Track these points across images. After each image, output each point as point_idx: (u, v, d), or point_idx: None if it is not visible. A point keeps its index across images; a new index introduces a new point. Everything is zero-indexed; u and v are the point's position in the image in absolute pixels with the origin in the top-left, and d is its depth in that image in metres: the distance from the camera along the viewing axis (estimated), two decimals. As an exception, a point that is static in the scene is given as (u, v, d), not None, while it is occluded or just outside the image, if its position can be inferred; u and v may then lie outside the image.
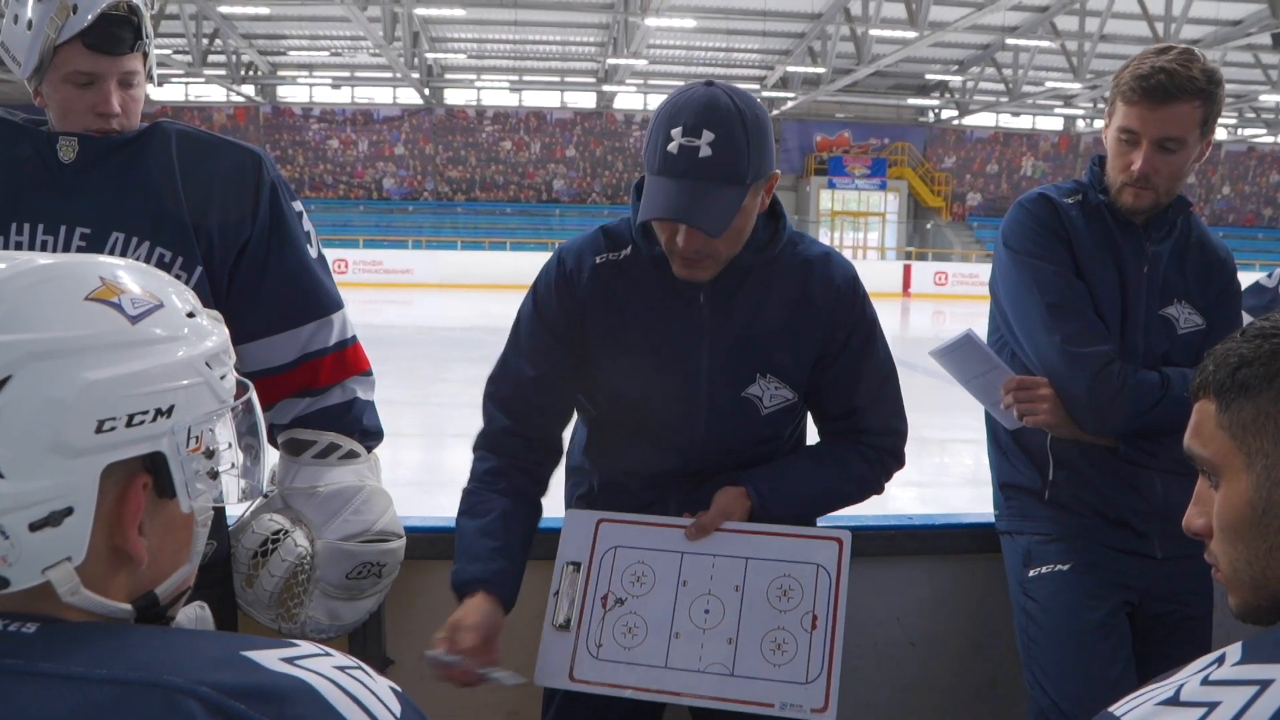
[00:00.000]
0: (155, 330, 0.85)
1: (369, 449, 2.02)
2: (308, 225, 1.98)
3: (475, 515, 1.83)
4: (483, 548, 1.78)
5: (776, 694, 1.68)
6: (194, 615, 1.08)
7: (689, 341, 1.83)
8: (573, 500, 2.05)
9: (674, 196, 1.63)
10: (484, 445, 1.91)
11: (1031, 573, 2.10)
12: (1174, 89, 1.92)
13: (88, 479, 0.80)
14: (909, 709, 2.43)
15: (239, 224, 1.87)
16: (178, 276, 1.78)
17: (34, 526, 0.78)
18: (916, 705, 2.43)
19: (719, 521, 1.81)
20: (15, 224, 1.75)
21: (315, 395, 1.96)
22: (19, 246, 1.74)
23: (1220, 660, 0.88)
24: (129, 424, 0.81)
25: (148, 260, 1.76)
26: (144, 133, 1.84)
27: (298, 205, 1.97)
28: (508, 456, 1.88)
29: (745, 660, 1.71)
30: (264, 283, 1.89)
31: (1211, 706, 0.83)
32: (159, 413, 0.83)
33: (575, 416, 2.03)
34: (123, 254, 1.75)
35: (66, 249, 1.74)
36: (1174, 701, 0.86)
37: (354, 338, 2.02)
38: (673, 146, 1.63)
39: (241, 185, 1.88)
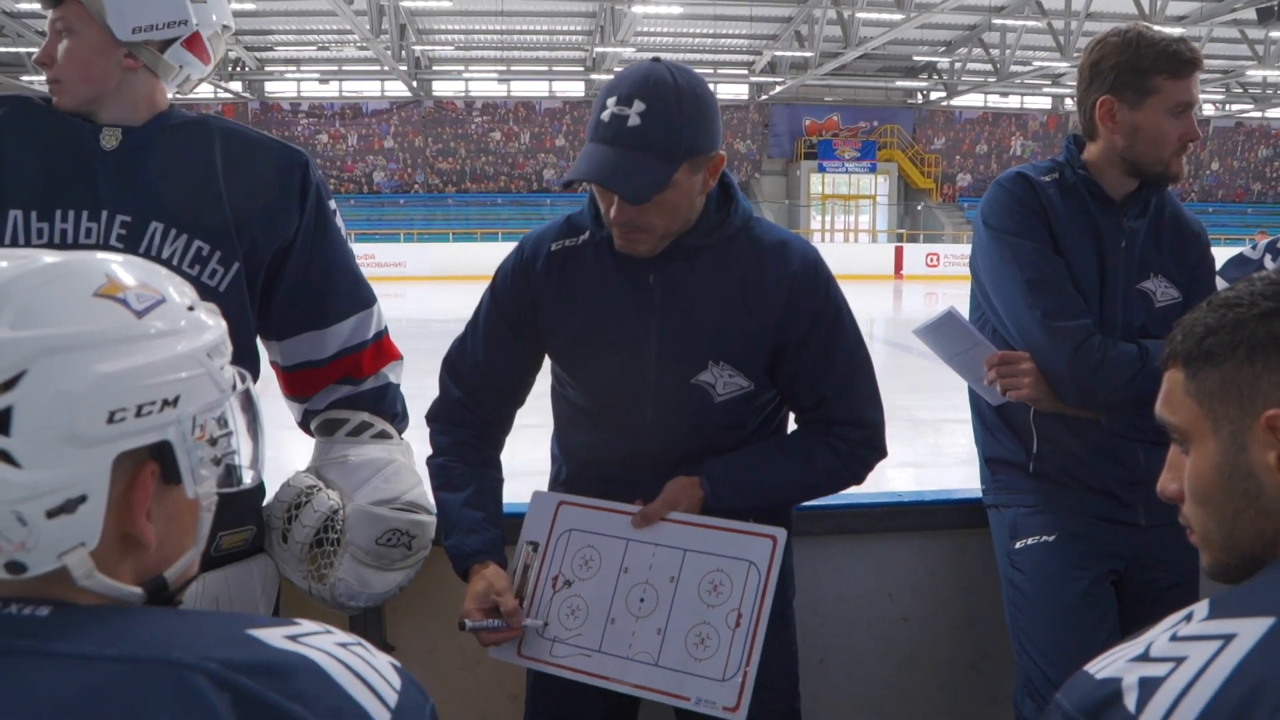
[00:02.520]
0: (159, 324, 0.88)
1: (400, 431, 2.08)
2: (341, 223, 2.04)
3: (455, 489, 1.90)
4: (473, 520, 1.85)
5: (693, 688, 1.69)
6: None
7: (637, 324, 1.83)
8: (552, 486, 2.08)
9: (597, 160, 1.66)
10: (441, 417, 1.98)
11: (1018, 544, 2.14)
12: (1197, 56, 2.05)
13: (100, 468, 0.83)
14: (904, 683, 2.47)
15: (284, 221, 1.91)
16: (214, 271, 1.82)
17: (50, 514, 0.82)
18: (911, 679, 2.47)
19: (664, 511, 1.81)
20: (60, 210, 1.76)
21: (354, 384, 2.03)
22: (64, 234, 1.75)
23: (1189, 617, 0.92)
24: (138, 414, 0.84)
25: (185, 252, 1.79)
26: (189, 123, 1.87)
27: (333, 204, 2.02)
28: (467, 427, 1.95)
29: (670, 652, 1.73)
30: (312, 278, 1.95)
31: (1179, 661, 0.87)
32: (165, 403, 0.86)
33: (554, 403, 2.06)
34: (160, 244, 1.78)
35: (108, 236, 1.76)
36: (1144, 658, 0.90)
37: (386, 329, 2.10)
38: (605, 114, 1.67)
39: (286, 186, 1.91)
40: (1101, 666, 0.93)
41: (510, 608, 1.76)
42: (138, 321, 0.87)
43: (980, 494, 2.35)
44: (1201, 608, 0.92)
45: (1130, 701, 0.88)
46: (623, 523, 1.84)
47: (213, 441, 0.94)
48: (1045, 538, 2.11)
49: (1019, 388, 2.05)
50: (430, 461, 1.95)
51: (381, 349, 2.07)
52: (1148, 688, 0.87)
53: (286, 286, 1.93)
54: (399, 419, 2.08)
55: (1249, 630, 0.86)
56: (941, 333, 2.09)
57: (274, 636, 0.83)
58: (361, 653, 0.86)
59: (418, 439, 2.06)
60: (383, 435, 2.02)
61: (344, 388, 2.02)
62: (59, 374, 0.81)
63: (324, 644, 0.85)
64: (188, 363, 0.89)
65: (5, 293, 0.82)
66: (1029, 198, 2.10)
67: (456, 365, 1.97)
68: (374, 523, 1.90)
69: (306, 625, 0.87)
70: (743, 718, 1.66)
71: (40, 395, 0.80)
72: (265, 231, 1.88)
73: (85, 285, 0.86)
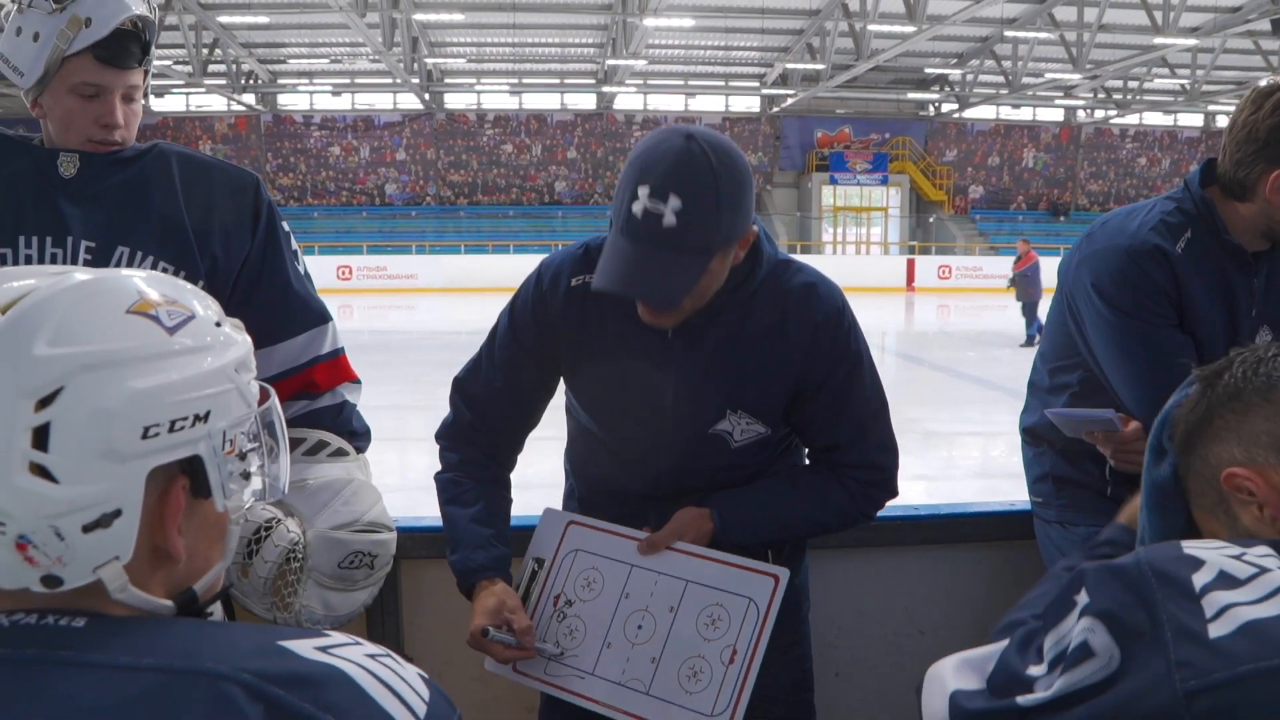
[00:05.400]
0: (188, 340, 0.90)
1: (358, 449, 2.07)
2: (295, 244, 2.06)
3: (464, 504, 1.88)
4: (481, 536, 1.83)
5: None
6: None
7: (655, 375, 1.79)
8: (565, 502, 2.09)
9: (628, 265, 1.56)
10: (450, 436, 1.95)
11: None
12: None
13: (134, 482, 0.85)
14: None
15: (240, 241, 1.94)
16: None
17: (86, 528, 0.83)
18: (926, 693, 2.46)
19: (669, 540, 1.80)
20: (23, 237, 1.78)
21: (311, 399, 2.03)
22: (28, 260, 1.77)
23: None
24: (171, 430, 0.86)
25: None
26: (143, 152, 1.89)
27: (286, 225, 2.05)
28: (477, 448, 1.93)
29: (662, 682, 1.72)
30: (260, 296, 1.96)
31: (1261, 571, 0.91)
32: (197, 418, 0.88)
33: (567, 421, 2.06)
34: (127, 267, 1.79)
35: (73, 261, 1.77)
36: (1236, 557, 0.94)
37: (342, 348, 2.10)
38: (637, 207, 1.53)
39: (240, 205, 1.95)
40: (1194, 547, 0.96)
41: (523, 626, 1.75)
42: (169, 338, 0.88)
43: (993, 508, 2.35)
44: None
45: (1198, 581, 0.91)
46: (629, 548, 1.84)
47: (242, 455, 0.95)
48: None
49: (1134, 465, 2.00)
50: (439, 476, 1.94)
51: (338, 366, 2.07)
52: (1221, 581, 0.90)
53: (235, 304, 1.92)
54: (357, 437, 2.08)
55: None
56: (1081, 421, 2.03)
57: (305, 648, 0.84)
58: (390, 664, 0.87)
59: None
60: (339, 453, 2.01)
61: (300, 402, 2.01)
62: (96, 390, 0.82)
63: (354, 655, 0.86)
64: (217, 378, 0.91)
65: (41, 310, 0.84)
66: (1161, 277, 1.95)
67: (468, 388, 1.94)
68: (335, 548, 1.89)
69: (336, 637, 0.88)
70: None
71: (77, 411, 0.81)
72: (224, 251, 1.91)
73: (119, 302, 0.87)
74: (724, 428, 1.82)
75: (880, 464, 1.87)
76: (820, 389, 1.80)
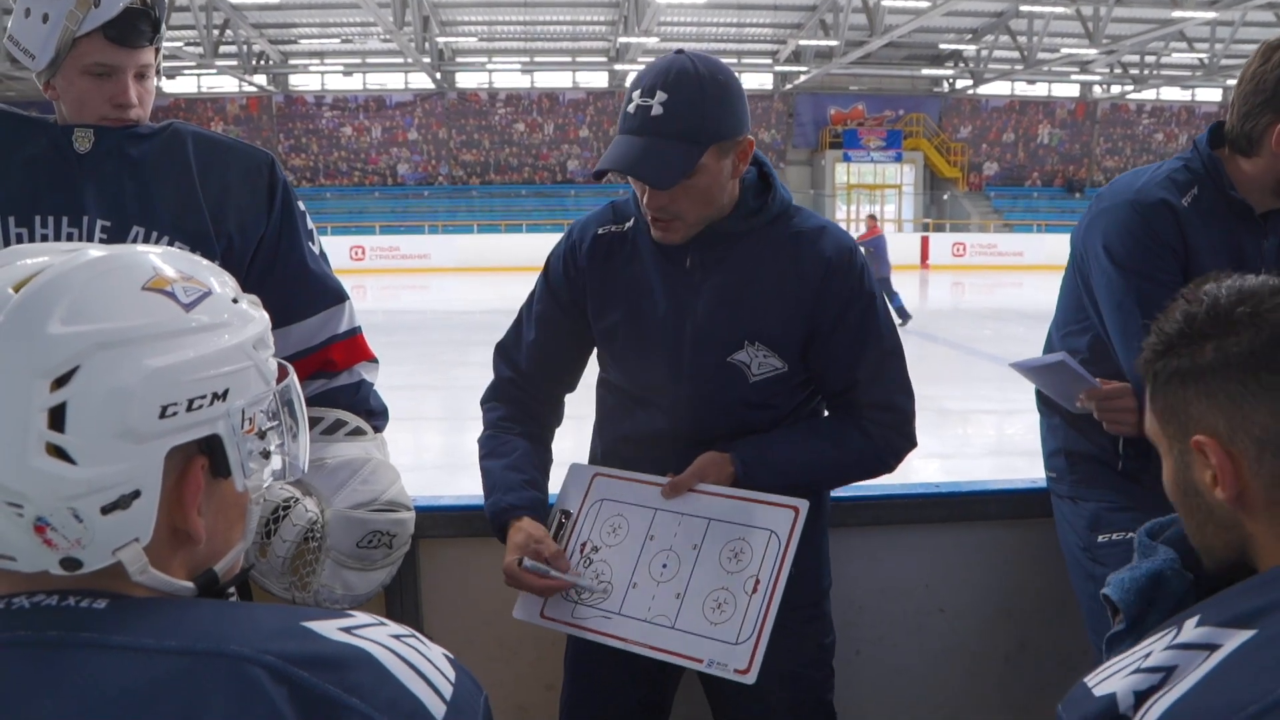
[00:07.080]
0: (205, 317, 0.88)
1: (376, 429, 2.08)
2: (310, 224, 2.07)
3: (499, 456, 1.97)
4: (513, 480, 1.92)
5: (707, 650, 1.72)
6: None
7: (674, 304, 1.88)
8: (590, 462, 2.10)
9: (624, 150, 1.72)
10: (492, 396, 2.06)
11: (1101, 538, 2.08)
12: None
13: (153, 462, 0.83)
14: (939, 673, 2.46)
15: (255, 221, 1.94)
16: None
17: (105, 510, 0.82)
18: (947, 670, 2.46)
19: (691, 482, 1.86)
20: (39, 216, 1.78)
21: (328, 378, 2.03)
22: (44, 239, 1.77)
23: (1181, 625, 0.94)
24: (189, 408, 0.84)
25: None
26: (159, 130, 1.89)
27: (301, 205, 2.05)
28: (515, 405, 2.03)
29: (687, 615, 1.77)
30: (276, 275, 1.96)
31: (1169, 670, 0.90)
32: (215, 396, 0.86)
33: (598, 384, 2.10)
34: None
35: (89, 240, 1.77)
36: (1139, 670, 0.92)
37: (359, 327, 2.11)
38: (631, 107, 1.74)
39: (255, 185, 1.95)
40: (1100, 680, 0.95)
41: (553, 551, 1.82)
42: (186, 315, 0.86)
43: (1014, 485, 2.34)
44: (1193, 616, 0.94)
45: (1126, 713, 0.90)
46: (652, 493, 1.90)
47: (261, 434, 0.93)
48: (1131, 534, 2.05)
49: (1120, 424, 1.98)
50: (479, 437, 2.02)
51: (355, 345, 2.08)
52: (1140, 699, 0.90)
53: (256, 282, 1.92)
54: (375, 415, 2.09)
55: (1232, 643, 0.88)
56: (1046, 374, 2.02)
57: (329, 629, 0.83)
58: (415, 644, 0.86)
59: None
60: (357, 432, 2.02)
61: (318, 381, 2.02)
62: (112, 369, 0.81)
63: (378, 636, 0.85)
64: (235, 355, 0.89)
65: (55, 288, 0.82)
66: (1169, 232, 1.95)
67: (509, 349, 2.05)
68: (354, 527, 1.89)
69: (360, 617, 0.87)
70: (753, 679, 1.69)
71: (94, 391, 0.80)
72: (239, 231, 1.91)
73: (133, 279, 0.86)
74: (741, 358, 1.87)
75: (898, 405, 1.92)
76: (836, 328, 1.86)
